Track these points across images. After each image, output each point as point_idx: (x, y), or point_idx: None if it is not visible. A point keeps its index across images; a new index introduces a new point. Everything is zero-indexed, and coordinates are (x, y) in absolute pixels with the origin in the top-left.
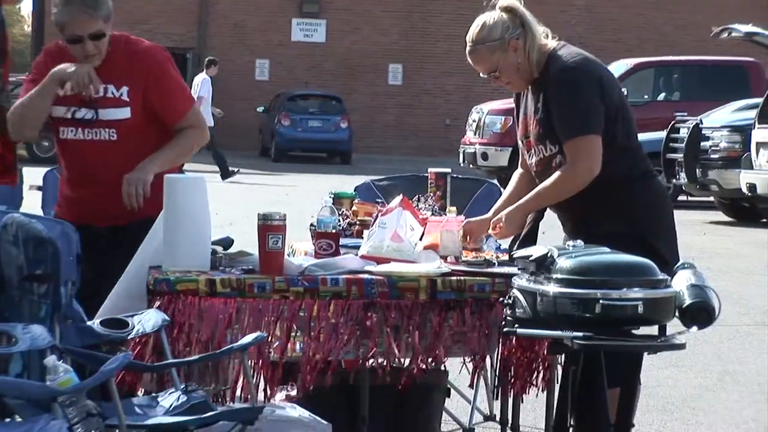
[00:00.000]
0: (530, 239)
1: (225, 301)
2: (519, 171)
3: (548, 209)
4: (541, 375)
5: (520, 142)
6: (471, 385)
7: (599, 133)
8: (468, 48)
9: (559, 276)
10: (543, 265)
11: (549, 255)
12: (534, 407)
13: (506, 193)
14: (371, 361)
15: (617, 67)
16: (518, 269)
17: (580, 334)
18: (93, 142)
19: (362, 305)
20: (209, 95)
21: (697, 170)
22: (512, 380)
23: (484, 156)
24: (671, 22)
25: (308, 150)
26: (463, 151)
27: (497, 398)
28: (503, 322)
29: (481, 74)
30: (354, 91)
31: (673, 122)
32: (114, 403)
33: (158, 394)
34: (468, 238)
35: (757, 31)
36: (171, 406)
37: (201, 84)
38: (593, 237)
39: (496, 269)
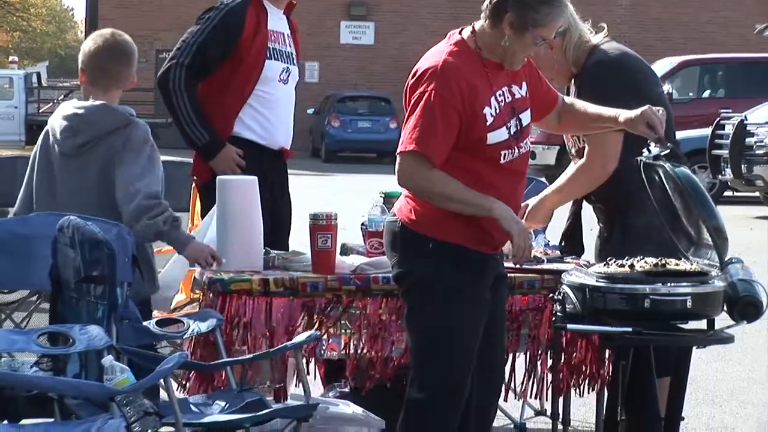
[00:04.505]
0: (573, 234)
1: (278, 300)
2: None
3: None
4: (592, 370)
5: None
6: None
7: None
8: None
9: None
10: None
11: None
12: (584, 402)
13: (556, 182)
14: None
15: (662, 66)
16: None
17: (630, 329)
18: (525, 155)
19: None
20: None
21: (743, 166)
22: (563, 375)
23: (532, 155)
24: (715, 20)
25: (358, 151)
26: None
27: (547, 398)
28: (553, 318)
29: None
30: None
31: (718, 119)
32: (171, 401)
33: (213, 392)
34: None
35: None
36: (226, 404)
37: None
38: (627, 229)
39: (546, 266)
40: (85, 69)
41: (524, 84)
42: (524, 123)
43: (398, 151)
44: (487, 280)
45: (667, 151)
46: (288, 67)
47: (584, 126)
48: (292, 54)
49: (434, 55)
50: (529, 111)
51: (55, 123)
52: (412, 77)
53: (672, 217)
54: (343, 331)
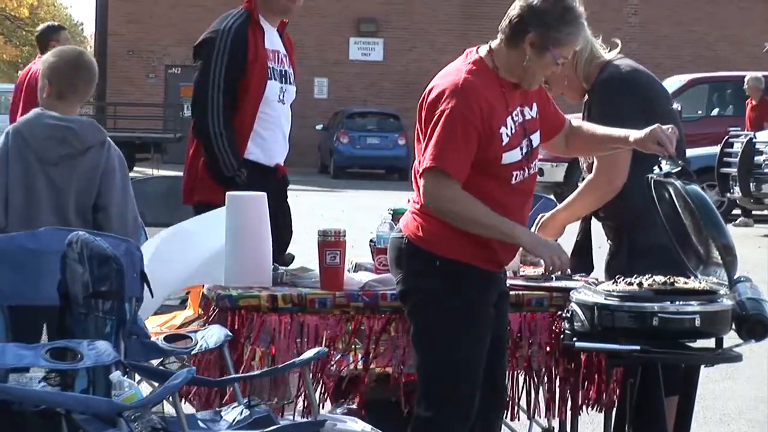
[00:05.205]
0: (582, 251)
1: (287, 317)
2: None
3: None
4: (598, 388)
5: None
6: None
7: None
8: None
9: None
10: None
11: None
12: (592, 420)
13: (569, 197)
14: None
15: (671, 84)
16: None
17: (638, 347)
18: (533, 175)
19: None
20: None
21: (751, 184)
22: (570, 393)
23: (540, 171)
24: (725, 39)
25: (366, 167)
26: None
27: (555, 416)
28: (562, 336)
29: None
30: (411, 109)
31: (726, 137)
32: (178, 417)
33: (221, 408)
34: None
35: None
36: (234, 420)
37: None
38: (635, 247)
39: (554, 283)
40: (52, 83)
41: (534, 105)
42: (534, 144)
43: (422, 169)
44: (491, 297)
45: (679, 168)
46: (283, 86)
47: (592, 148)
48: (287, 72)
49: (453, 73)
50: (538, 132)
51: (35, 129)
52: (431, 94)
53: (681, 234)
54: (351, 347)
